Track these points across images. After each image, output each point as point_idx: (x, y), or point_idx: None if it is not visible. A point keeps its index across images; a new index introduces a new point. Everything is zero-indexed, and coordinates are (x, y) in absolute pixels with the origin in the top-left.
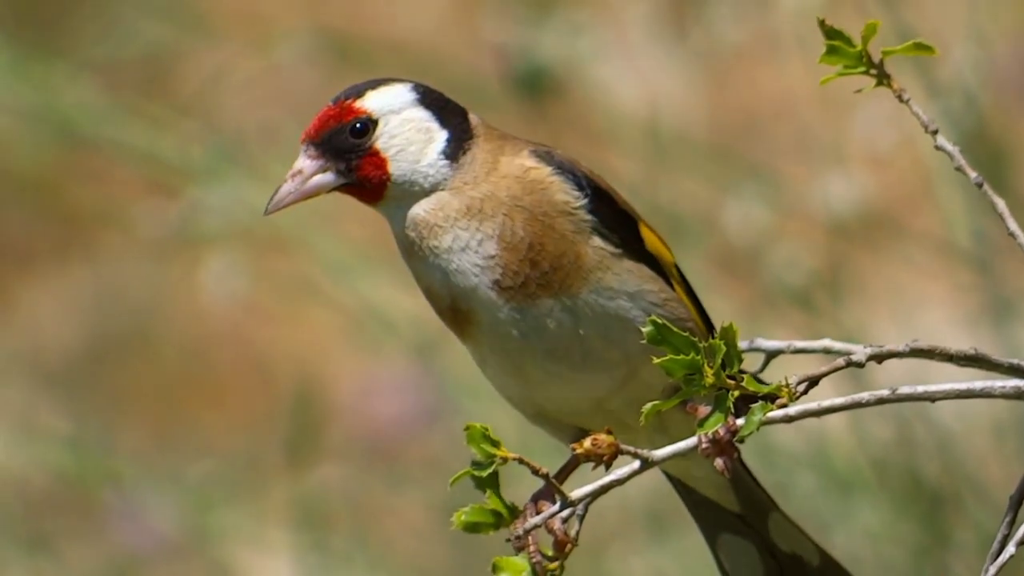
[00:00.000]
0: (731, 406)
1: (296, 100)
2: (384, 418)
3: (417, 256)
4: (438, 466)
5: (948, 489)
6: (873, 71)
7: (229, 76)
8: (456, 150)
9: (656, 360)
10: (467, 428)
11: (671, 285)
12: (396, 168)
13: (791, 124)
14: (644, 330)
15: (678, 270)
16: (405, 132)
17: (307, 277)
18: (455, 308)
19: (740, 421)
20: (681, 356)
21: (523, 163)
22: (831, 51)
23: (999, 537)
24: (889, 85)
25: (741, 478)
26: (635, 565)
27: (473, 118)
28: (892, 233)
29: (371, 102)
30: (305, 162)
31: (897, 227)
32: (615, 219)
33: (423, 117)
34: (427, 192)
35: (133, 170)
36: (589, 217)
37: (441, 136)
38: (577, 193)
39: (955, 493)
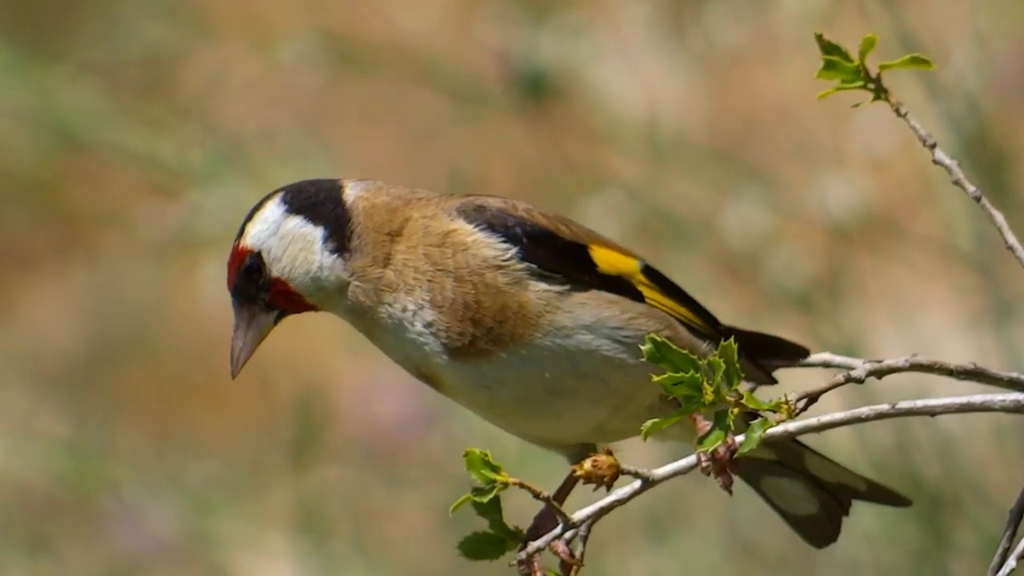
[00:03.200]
0: (731, 423)
1: (296, 103)
2: (384, 421)
3: (372, 336)
4: (437, 469)
5: (948, 492)
6: (871, 85)
7: (228, 78)
8: (340, 240)
9: (655, 378)
10: (467, 454)
11: (641, 296)
12: (297, 284)
13: (790, 127)
14: (643, 348)
15: (650, 272)
16: (287, 249)
17: None
18: (422, 374)
19: (740, 438)
20: (680, 374)
21: (442, 227)
22: (828, 66)
23: (999, 550)
24: (887, 99)
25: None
26: (634, 567)
27: (349, 194)
28: (892, 236)
29: (250, 238)
30: (237, 316)
31: (897, 230)
32: (557, 257)
33: (296, 225)
34: (339, 287)
35: (133, 172)
36: (523, 265)
37: (317, 235)
38: (505, 246)
39: (955, 496)
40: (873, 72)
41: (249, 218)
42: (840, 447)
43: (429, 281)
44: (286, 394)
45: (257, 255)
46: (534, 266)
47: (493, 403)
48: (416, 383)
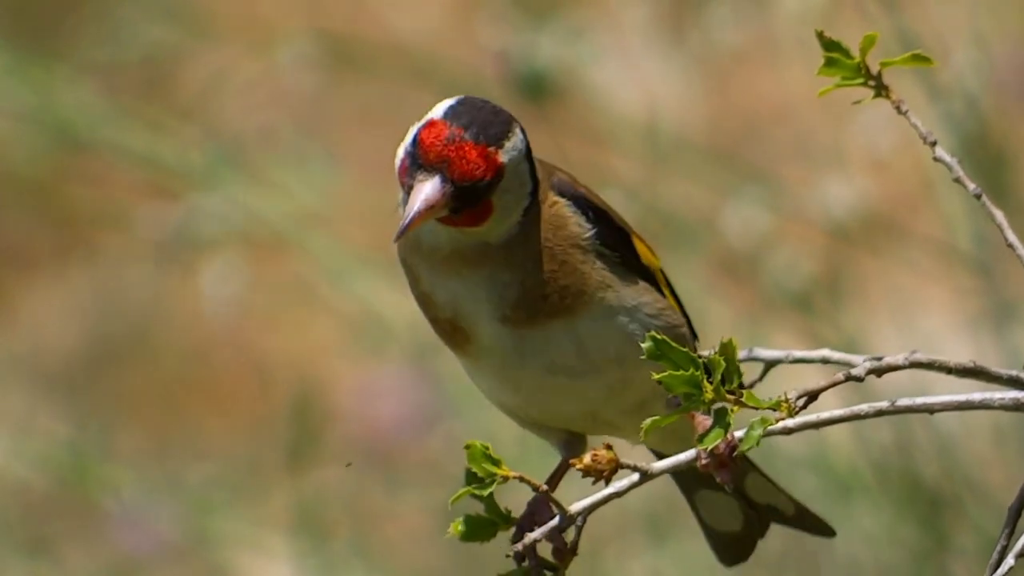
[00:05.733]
0: (731, 421)
1: (296, 104)
2: (383, 421)
3: (437, 269)
4: (437, 469)
5: (948, 492)
6: (871, 82)
7: (228, 79)
8: (531, 204)
9: (655, 376)
10: (467, 447)
11: (663, 293)
12: (495, 219)
13: (791, 127)
14: (643, 345)
15: (663, 274)
16: (513, 187)
17: (306, 281)
18: (455, 325)
19: (739, 434)
20: (680, 372)
21: (551, 198)
22: (829, 63)
23: (998, 548)
24: (888, 96)
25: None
26: (633, 568)
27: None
28: (892, 236)
29: (506, 155)
30: (438, 197)
31: (897, 230)
32: (614, 238)
33: (526, 171)
34: (499, 237)
35: (133, 173)
36: (595, 243)
37: (527, 191)
38: (588, 224)
39: (955, 496)
40: (874, 70)
41: (502, 132)
42: (840, 449)
43: (533, 260)
44: (285, 394)
45: (500, 176)
46: (598, 243)
47: (520, 369)
48: (416, 384)
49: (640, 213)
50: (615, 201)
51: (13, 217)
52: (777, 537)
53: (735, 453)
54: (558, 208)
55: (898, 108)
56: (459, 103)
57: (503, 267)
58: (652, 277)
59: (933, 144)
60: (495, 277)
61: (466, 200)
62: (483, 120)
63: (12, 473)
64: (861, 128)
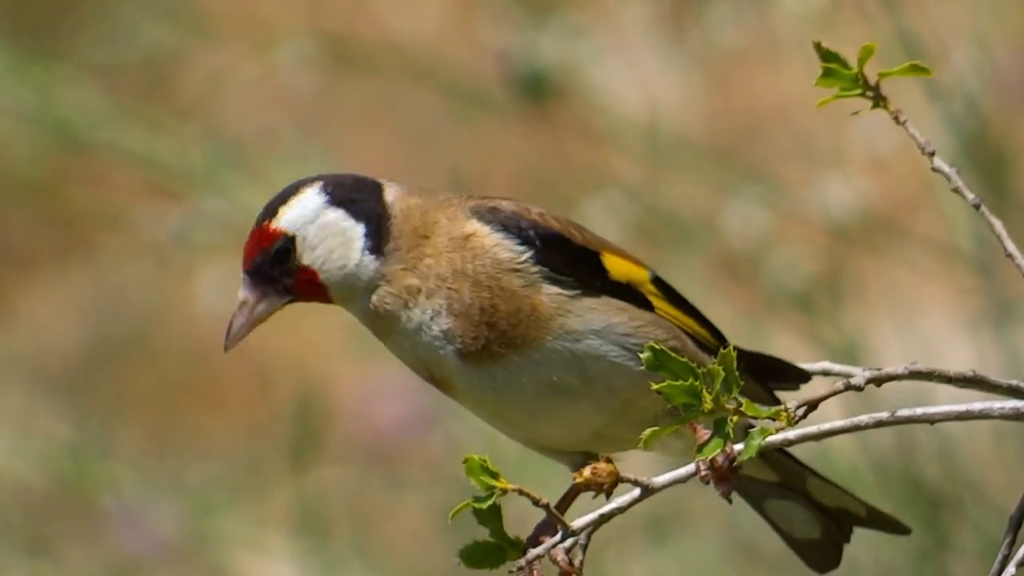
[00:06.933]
0: (731, 431)
1: (296, 104)
2: (384, 422)
3: (385, 338)
4: (437, 470)
5: (948, 493)
6: (870, 93)
7: (228, 79)
8: (378, 241)
9: (654, 386)
10: (466, 460)
11: (649, 305)
12: (327, 277)
13: (791, 127)
14: (642, 356)
15: (659, 282)
16: (324, 241)
17: None
18: (433, 378)
19: (739, 447)
20: (680, 382)
21: (463, 229)
22: (827, 74)
23: (999, 557)
24: (886, 107)
25: (771, 455)
26: (633, 568)
27: (389, 194)
28: (892, 236)
29: (284, 221)
30: (247, 292)
31: (897, 230)
32: (569, 261)
33: (337, 218)
34: (367, 288)
35: (133, 173)
36: (537, 268)
37: (358, 233)
38: (521, 248)
39: (956, 497)
40: (872, 79)
41: (282, 200)
42: (841, 450)
43: (449, 288)
44: (286, 395)
45: (291, 239)
46: (547, 269)
47: (501, 405)
48: (416, 384)
49: (640, 213)
50: (615, 201)
51: (13, 217)
52: (777, 539)
53: (735, 464)
54: (475, 239)
55: (896, 118)
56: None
57: (418, 300)
58: (632, 293)
59: (931, 155)
60: (424, 324)
61: (273, 280)
62: (268, 205)
63: (12, 473)
64: (861, 128)
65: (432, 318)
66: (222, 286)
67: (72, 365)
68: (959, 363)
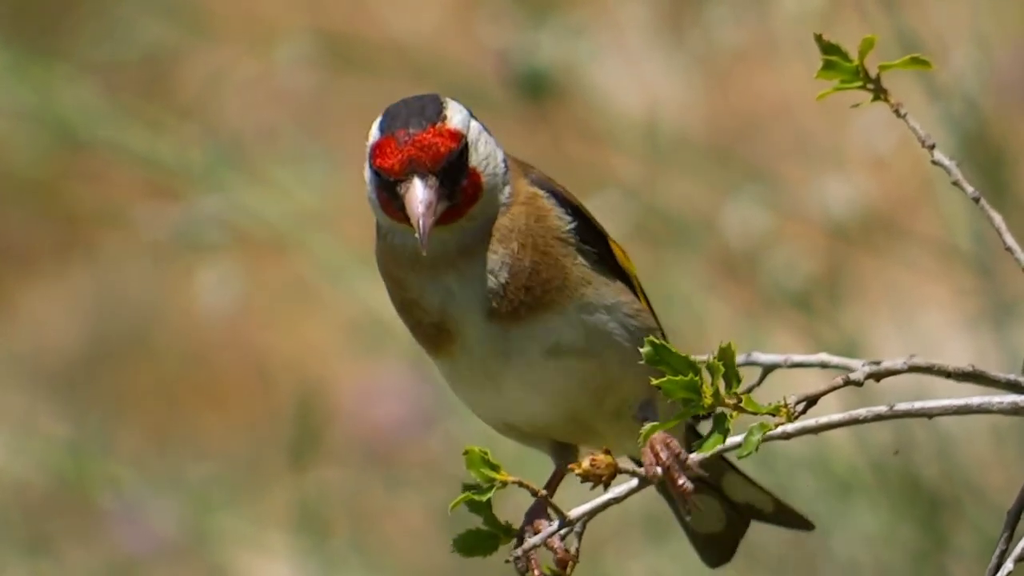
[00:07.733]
0: (729, 426)
1: (296, 103)
2: (383, 421)
3: (423, 274)
4: (436, 469)
5: (947, 493)
6: (870, 86)
7: (228, 78)
8: (507, 188)
9: (654, 381)
10: (466, 452)
11: (639, 297)
12: (488, 183)
13: (790, 126)
14: (642, 351)
15: (638, 281)
16: (485, 145)
17: (306, 280)
18: (440, 326)
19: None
20: (679, 377)
21: (528, 189)
22: (827, 66)
23: (997, 552)
24: (886, 100)
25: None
26: (633, 568)
27: None
28: (892, 236)
29: (459, 122)
30: (430, 194)
31: (897, 230)
32: (592, 235)
33: (480, 128)
34: (497, 209)
35: (133, 172)
36: (576, 238)
37: (501, 161)
38: (568, 217)
39: (954, 497)
40: (872, 72)
41: (436, 107)
42: (838, 447)
43: (519, 244)
44: (286, 394)
45: (466, 141)
46: (579, 239)
47: (503, 367)
48: (416, 383)
49: (640, 213)
50: (614, 200)
51: (13, 216)
52: (776, 538)
53: (685, 460)
54: (538, 199)
55: (896, 111)
56: (384, 116)
57: (488, 258)
58: (628, 279)
59: (931, 147)
60: (481, 271)
61: (453, 179)
62: (413, 111)
63: (12, 472)
64: (861, 127)
65: (494, 271)
66: (221, 285)
67: (72, 364)
68: (958, 362)
